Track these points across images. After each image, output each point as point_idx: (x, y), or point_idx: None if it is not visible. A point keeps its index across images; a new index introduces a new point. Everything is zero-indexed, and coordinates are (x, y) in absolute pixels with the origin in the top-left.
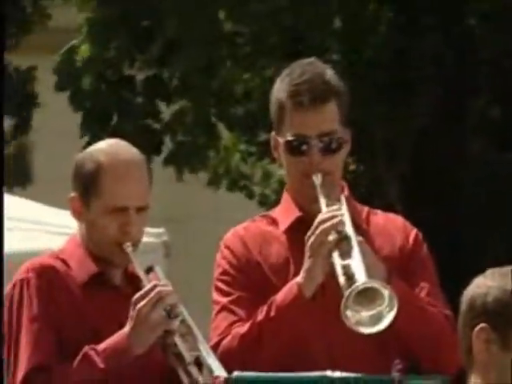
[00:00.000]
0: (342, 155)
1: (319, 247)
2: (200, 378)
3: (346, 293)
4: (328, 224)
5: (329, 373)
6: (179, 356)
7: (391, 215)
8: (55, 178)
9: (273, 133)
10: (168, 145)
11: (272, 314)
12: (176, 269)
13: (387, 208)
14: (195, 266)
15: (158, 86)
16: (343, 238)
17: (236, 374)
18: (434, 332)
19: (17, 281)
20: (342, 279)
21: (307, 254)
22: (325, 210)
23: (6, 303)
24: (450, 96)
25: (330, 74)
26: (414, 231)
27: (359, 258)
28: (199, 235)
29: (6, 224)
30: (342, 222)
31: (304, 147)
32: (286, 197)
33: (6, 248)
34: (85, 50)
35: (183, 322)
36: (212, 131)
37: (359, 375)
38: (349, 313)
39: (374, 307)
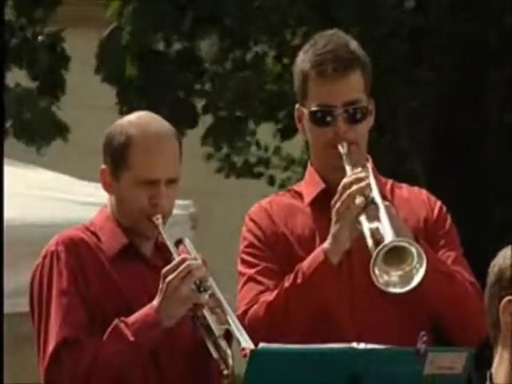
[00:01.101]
0: (366, 125)
1: (346, 211)
2: (229, 351)
3: (375, 251)
4: (354, 188)
5: (354, 345)
6: (208, 329)
7: (415, 189)
8: (87, 151)
9: (297, 105)
10: (206, 120)
11: (298, 280)
12: (202, 241)
13: (411, 181)
14: (221, 239)
15: (190, 61)
16: (370, 202)
17: (262, 345)
18: (459, 298)
19: (47, 252)
20: (370, 241)
21: (334, 219)
22: (350, 173)
23: (37, 273)
24: (472, 64)
25: (353, 44)
26: (438, 203)
27: (387, 221)
28: (225, 208)
29: (41, 194)
30: (368, 186)
31: (329, 117)
32: (310, 170)
33: (40, 218)
34: (128, 35)
35: (212, 295)
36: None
37: (384, 347)
38: (377, 272)
39: (403, 267)
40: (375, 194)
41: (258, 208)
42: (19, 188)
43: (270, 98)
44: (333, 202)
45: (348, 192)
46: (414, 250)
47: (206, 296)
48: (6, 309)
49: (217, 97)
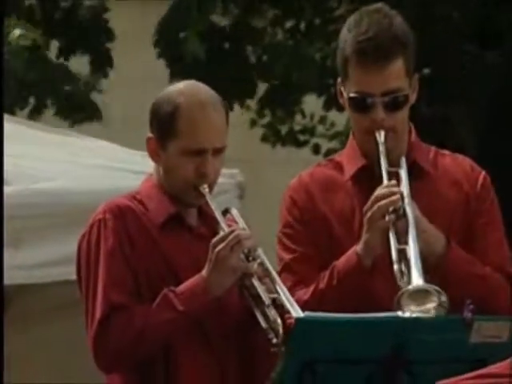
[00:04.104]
0: (406, 110)
1: (376, 223)
2: (278, 320)
3: (399, 294)
4: (386, 201)
5: (399, 313)
6: (257, 298)
7: (459, 157)
8: (127, 119)
9: (339, 79)
10: (261, 89)
11: (334, 282)
12: (249, 210)
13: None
14: (268, 208)
15: (246, 32)
16: (400, 217)
17: (307, 314)
18: (495, 300)
19: (94, 221)
20: (396, 267)
21: (365, 226)
22: (384, 184)
23: (84, 241)
24: None
25: (397, 25)
26: (482, 174)
27: (415, 245)
28: (272, 176)
29: (84, 162)
30: (399, 200)
31: (367, 104)
32: (351, 142)
33: (87, 186)
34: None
35: (261, 264)
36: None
37: (430, 315)
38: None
39: (424, 304)
40: (406, 207)
41: (298, 183)
42: (68, 156)
43: (318, 68)
44: (364, 210)
45: (379, 204)
46: (438, 296)
47: (254, 265)
48: (54, 277)
49: (271, 65)
